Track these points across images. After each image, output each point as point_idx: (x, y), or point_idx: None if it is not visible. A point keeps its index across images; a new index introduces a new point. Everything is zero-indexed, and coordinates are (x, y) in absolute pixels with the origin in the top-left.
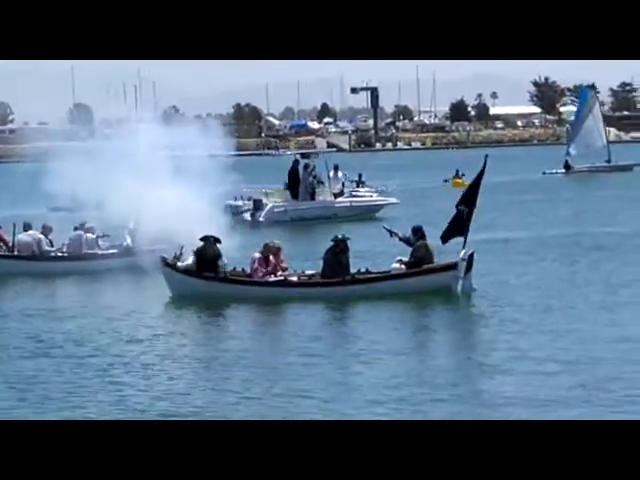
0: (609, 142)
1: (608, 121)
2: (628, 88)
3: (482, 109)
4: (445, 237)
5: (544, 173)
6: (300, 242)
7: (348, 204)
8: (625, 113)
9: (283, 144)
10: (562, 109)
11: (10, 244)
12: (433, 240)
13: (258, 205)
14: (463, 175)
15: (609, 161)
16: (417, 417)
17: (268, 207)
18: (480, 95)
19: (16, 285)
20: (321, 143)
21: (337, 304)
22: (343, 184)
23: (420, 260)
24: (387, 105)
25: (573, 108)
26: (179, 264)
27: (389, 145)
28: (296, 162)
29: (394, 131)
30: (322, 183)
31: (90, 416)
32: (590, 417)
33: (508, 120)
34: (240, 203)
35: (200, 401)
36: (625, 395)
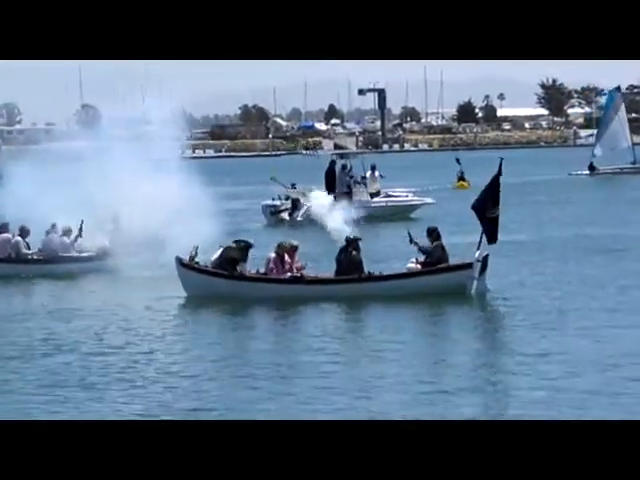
0: (634, 144)
1: None
2: (636, 90)
3: (490, 111)
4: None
5: (569, 174)
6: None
7: (384, 204)
8: (633, 115)
9: (289, 145)
10: (569, 111)
11: None
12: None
13: (296, 205)
14: (462, 175)
15: (634, 163)
16: (429, 417)
17: (306, 207)
18: (487, 97)
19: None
20: (328, 144)
21: (352, 302)
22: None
23: (437, 261)
24: (394, 106)
25: (580, 110)
26: (197, 260)
27: (396, 147)
28: (333, 162)
29: (401, 132)
30: (359, 183)
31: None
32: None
33: (515, 122)
34: (278, 203)
35: (218, 400)
36: None
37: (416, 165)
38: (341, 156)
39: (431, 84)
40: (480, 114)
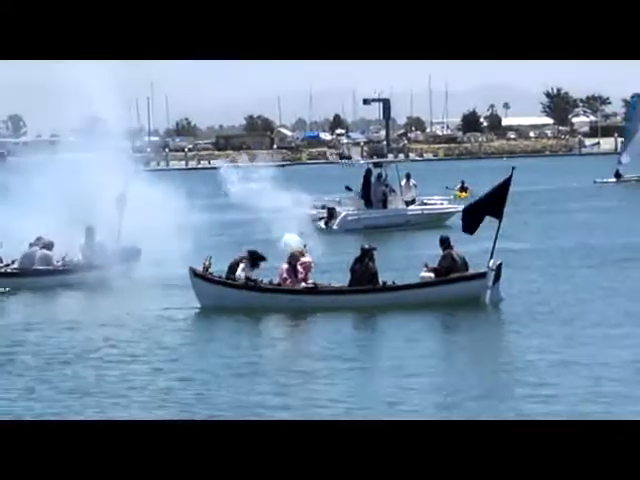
0: None
1: (621, 132)
2: None
3: (494, 120)
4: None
5: (595, 182)
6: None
7: (420, 212)
8: None
9: (294, 155)
10: (574, 120)
11: None
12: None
13: (332, 213)
14: (462, 184)
15: None
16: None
17: (341, 215)
18: (492, 106)
19: None
20: (333, 155)
21: (367, 311)
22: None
23: (448, 269)
24: (399, 116)
25: (585, 119)
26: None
27: (401, 156)
28: (369, 171)
29: (406, 142)
30: (394, 191)
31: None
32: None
33: (520, 131)
34: (314, 212)
35: (230, 404)
36: None
37: (418, 175)
38: (376, 165)
39: (436, 94)
40: (485, 123)
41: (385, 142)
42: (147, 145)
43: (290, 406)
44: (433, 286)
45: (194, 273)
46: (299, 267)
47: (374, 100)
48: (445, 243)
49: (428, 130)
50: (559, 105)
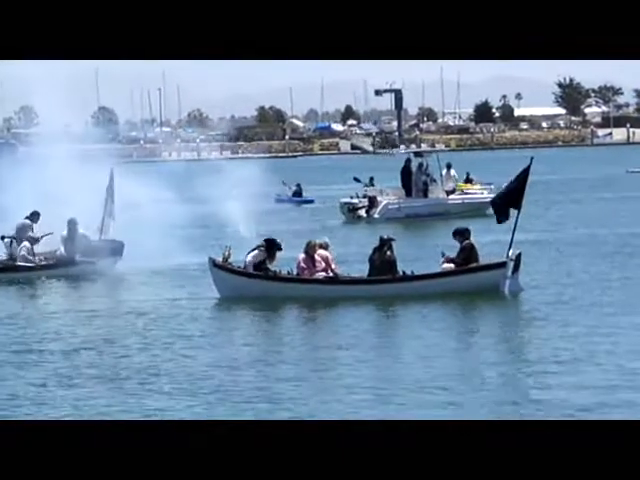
0: None
1: (633, 122)
2: None
3: (507, 110)
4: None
5: (627, 171)
6: (413, 238)
7: (460, 201)
8: None
9: (306, 146)
10: (587, 110)
11: None
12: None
13: (373, 202)
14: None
15: None
16: (463, 417)
17: (382, 204)
18: (505, 96)
19: None
20: (345, 145)
21: (386, 302)
22: (456, 180)
23: (467, 260)
24: (411, 107)
25: (598, 109)
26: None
27: (413, 147)
28: (409, 161)
29: (418, 133)
30: (435, 181)
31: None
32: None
33: (533, 121)
34: (356, 201)
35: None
36: None
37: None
38: (417, 154)
39: (448, 84)
40: (497, 114)
41: (397, 133)
42: (159, 135)
43: (307, 397)
44: (452, 276)
45: (213, 263)
46: (317, 257)
47: (386, 91)
48: (463, 234)
49: (440, 121)
50: (571, 95)
